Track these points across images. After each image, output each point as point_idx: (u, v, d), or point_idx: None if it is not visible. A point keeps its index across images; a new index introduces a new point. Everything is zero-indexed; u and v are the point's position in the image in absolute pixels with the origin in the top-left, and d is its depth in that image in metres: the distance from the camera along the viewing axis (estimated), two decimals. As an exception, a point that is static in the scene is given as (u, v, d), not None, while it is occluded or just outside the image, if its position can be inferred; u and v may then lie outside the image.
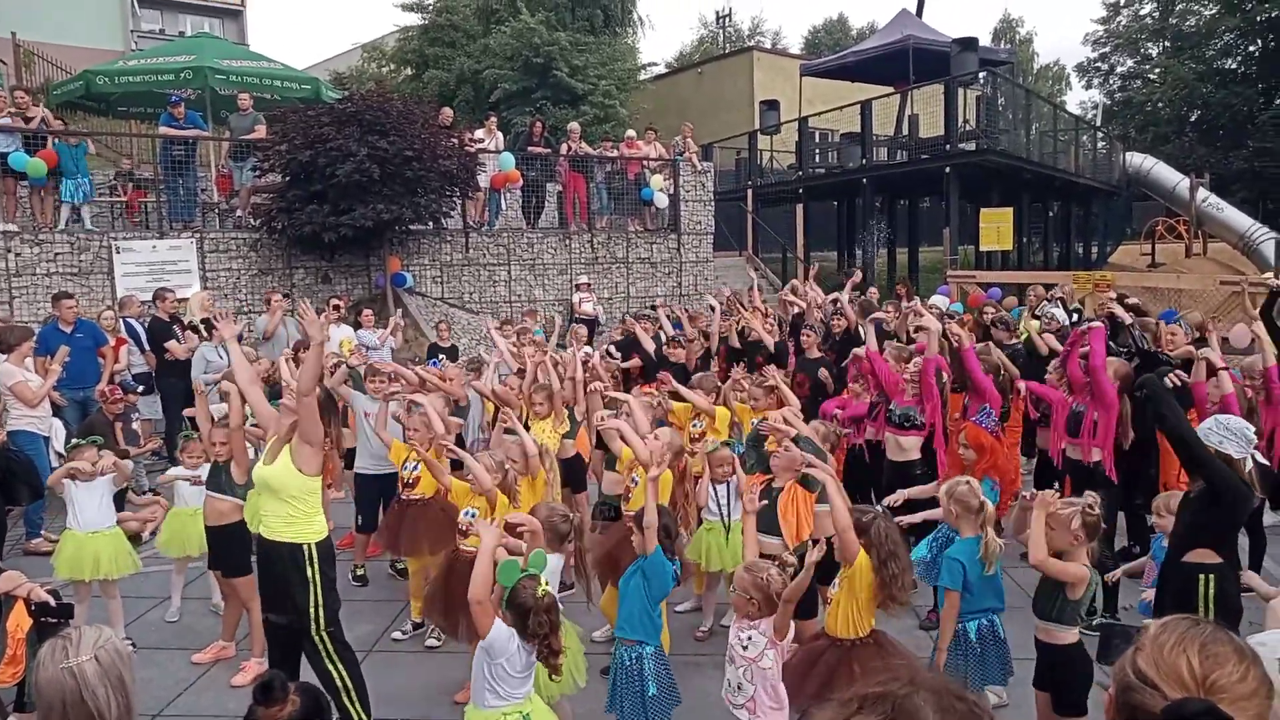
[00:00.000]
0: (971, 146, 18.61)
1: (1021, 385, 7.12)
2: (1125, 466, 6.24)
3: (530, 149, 15.94)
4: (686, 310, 11.90)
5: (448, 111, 15.13)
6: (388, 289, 13.79)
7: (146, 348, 10.37)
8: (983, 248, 18.66)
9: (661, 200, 16.82)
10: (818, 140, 24.30)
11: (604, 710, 4.28)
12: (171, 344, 9.90)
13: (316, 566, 4.32)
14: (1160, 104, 36.05)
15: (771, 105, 23.61)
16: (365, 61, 33.09)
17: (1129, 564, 4.57)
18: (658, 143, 17.51)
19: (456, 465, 5.61)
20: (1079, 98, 59.07)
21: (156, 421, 10.22)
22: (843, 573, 4.06)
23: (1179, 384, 6.07)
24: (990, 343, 8.33)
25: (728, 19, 53.12)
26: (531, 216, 16.28)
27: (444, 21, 28.30)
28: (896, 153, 21.43)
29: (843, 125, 22.49)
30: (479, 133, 15.51)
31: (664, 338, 9.54)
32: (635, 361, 9.15)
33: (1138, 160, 25.92)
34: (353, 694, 4.41)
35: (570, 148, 16.27)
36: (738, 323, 9.46)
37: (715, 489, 5.67)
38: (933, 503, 5.19)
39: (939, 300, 12.18)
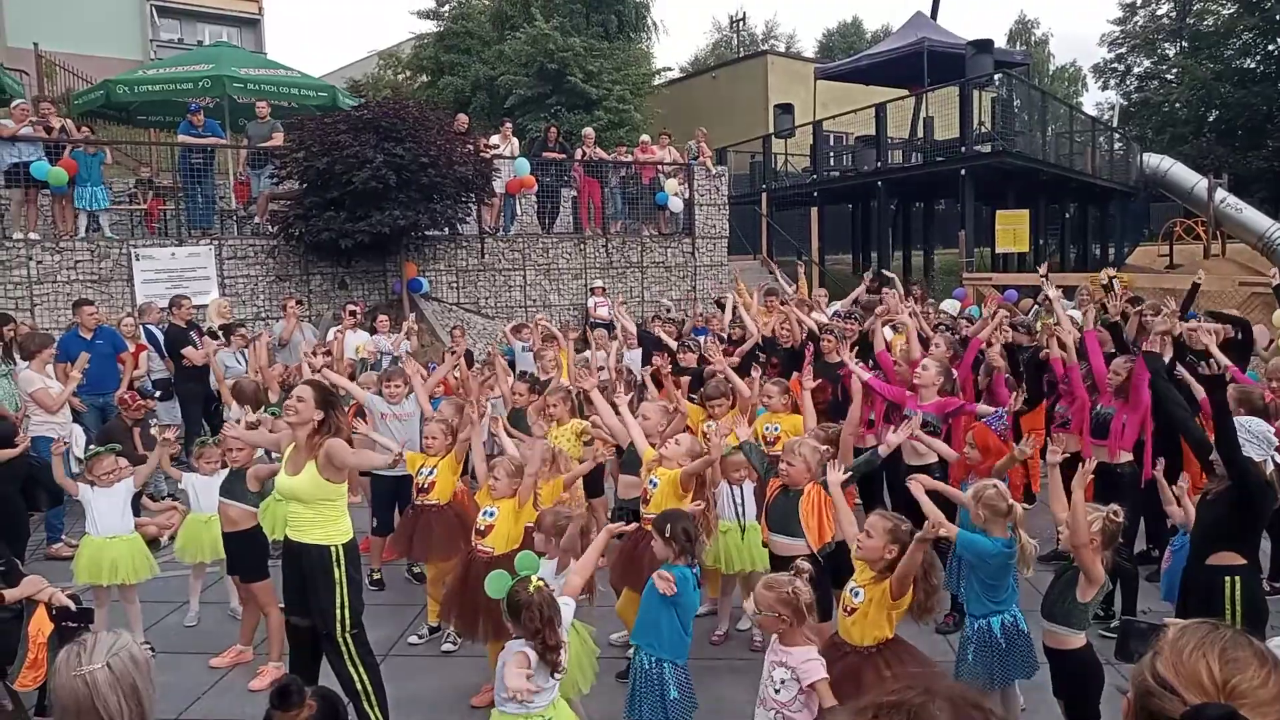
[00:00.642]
0: (987, 148, 18.54)
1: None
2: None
3: (545, 154, 15.99)
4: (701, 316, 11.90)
5: (463, 118, 15.19)
6: (404, 294, 13.85)
7: (165, 354, 10.45)
8: (999, 250, 18.58)
9: (676, 204, 16.83)
10: (832, 143, 24.28)
11: (623, 715, 4.28)
12: (188, 350, 9.97)
13: (343, 568, 4.36)
14: (1178, 104, 35.81)
15: (786, 109, 23.60)
16: (381, 69, 33.27)
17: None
18: (672, 147, 17.52)
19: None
20: (1095, 99, 58.70)
21: (175, 427, 10.29)
22: (871, 584, 4.00)
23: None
24: (994, 346, 8.28)
25: (741, 23, 53.16)
26: (546, 222, 16.32)
27: (459, 28, 28.43)
28: (912, 155, 21.36)
29: (857, 128, 22.45)
30: (494, 138, 15.57)
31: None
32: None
33: (1155, 161, 25.74)
34: (372, 698, 4.43)
35: (585, 153, 16.30)
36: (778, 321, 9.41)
37: (731, 490, 5.66)
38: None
39: (949, 305, 12.08)
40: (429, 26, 30.43)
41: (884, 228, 21.28)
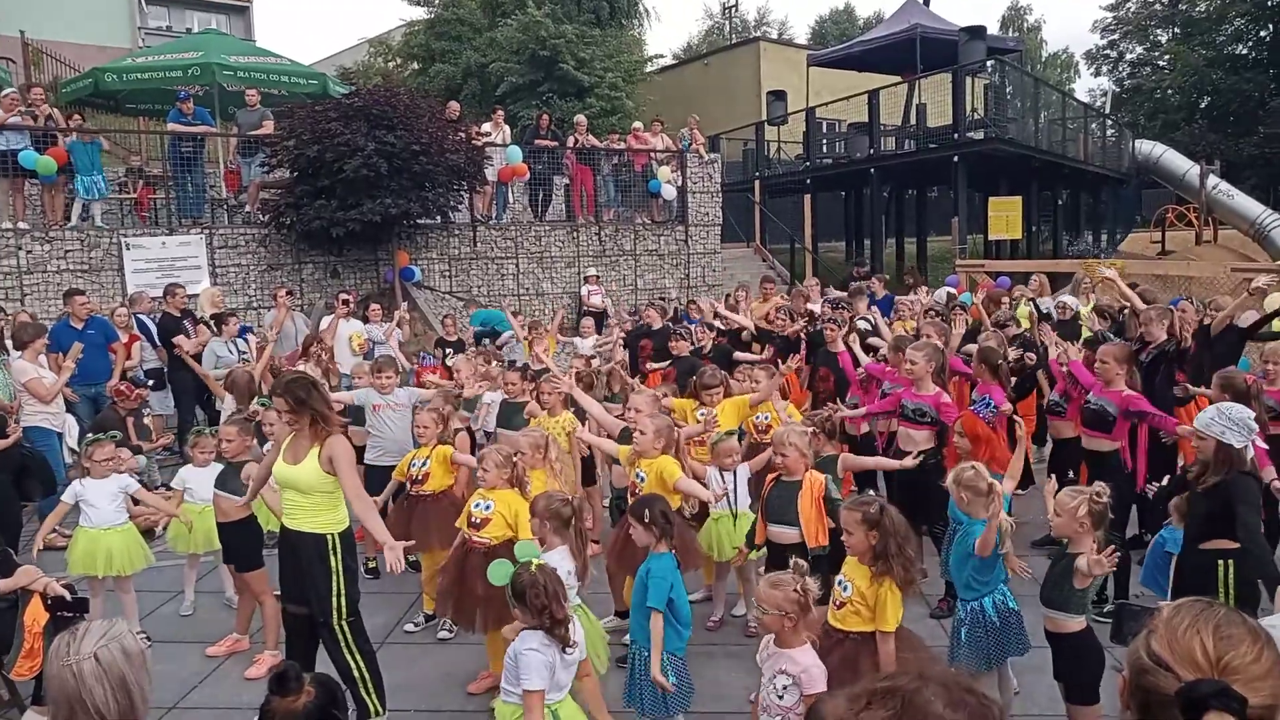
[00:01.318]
0: (980, 135, 18.54)
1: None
2: (1147, 457, 6.24)
3: (537, 142, 15.94)
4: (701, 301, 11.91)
5: (455, 105, 15.13)
6: (396, 283, 13.82)
7: (158, 343, 10.42)
8: (991, 237, 18.61)
9: (669, 192, 16.81)
10: (825, 130, 24.25)
11: (623, 703, 4.30)
12: (179, 339, 9.95)
13: (339, 556, 4.37)
14: (1170, 90, 35.83)
15: (778, 96, 23.55)
16: (372, 56, 33.12)
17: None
18: (664, 134, 17.48)
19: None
20: (1088, 85, 58.69)
21: (168, 416, 10.29)
22: (859, 579, 3.99)
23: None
24: (995, 330, 8.31)
25: (734, 10, 53.06)
26: (539, 210, 16.28)
27: (450, 15, 28.31)
28: (904, 142, 21.36)
29: (850, 115, 22.43)
30: (486, 126, 15.51)
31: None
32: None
33: (1147, 147, 25.75)
34: (369, 685, 4.45)
35: (577, 140, 16.26)
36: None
37: (723, 478, 5.67)
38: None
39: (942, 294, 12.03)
40: (420, 13, 30.31)
41: (877, 215, 21.30)
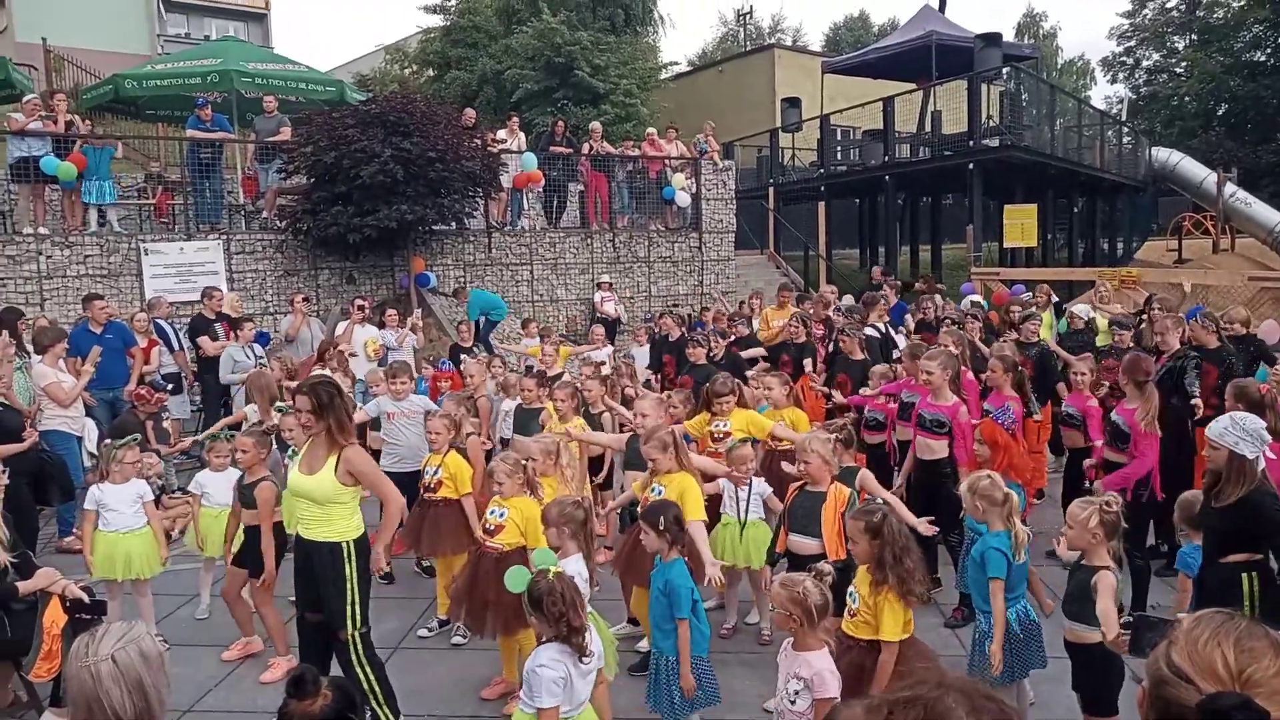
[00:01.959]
0: (995, 143, 18.47)
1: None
2: (1163, 466, 6.19)
3: (552, 149, 15.98)
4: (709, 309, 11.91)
5: (470, 112, 15.19)
6: (411, 289, 13.87)
7: (176, 348, 10.50)
8: (1007, 244, 18.53)
9: (683, 199, 16.81)
10: (840, 137, 24.24)
11: (643, 707, 4.30)
12: (203, 340, 10.05)
13: (354, 564, 4.37)
14: (1187, 98, 35.64)
15: (793, 103, 23.54)
16: (388, 63, 33.29)
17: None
18: (679, 141, 17.50)
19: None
20: (1104, 92, 58.48)
21: (185, 421, 10.36)
22: (868, 590, 4.00)
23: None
24: (1009, 340, 8.29)
25: (748, 17, 53.09)
26: (553, 216, 16.32)
27: (466, 22, 28.43)
28: (919, 149, 21.32)
29: (865, 122, 22.41)
30: (501, 133, 15.57)
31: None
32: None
33: (1164, 155, 25.62)
34: (380, 696, 4.44)
35: (592, 147, 16.30)
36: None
37: (735, 487, 5.65)
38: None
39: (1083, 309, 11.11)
40: (436, 21, 30.46)
41: (891, 222, 21.26)
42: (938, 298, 12.05)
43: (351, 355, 9.72)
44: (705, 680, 4.19)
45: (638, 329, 11.90)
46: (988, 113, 19.65)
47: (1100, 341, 9.50)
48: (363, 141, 12.25)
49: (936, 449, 6.07)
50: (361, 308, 10.91)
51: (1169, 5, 37.96)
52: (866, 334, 9.06)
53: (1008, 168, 18.50)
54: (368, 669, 4.43)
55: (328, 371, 7.94)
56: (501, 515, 4.99)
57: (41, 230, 12.10)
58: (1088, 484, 6.72)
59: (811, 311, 10.77)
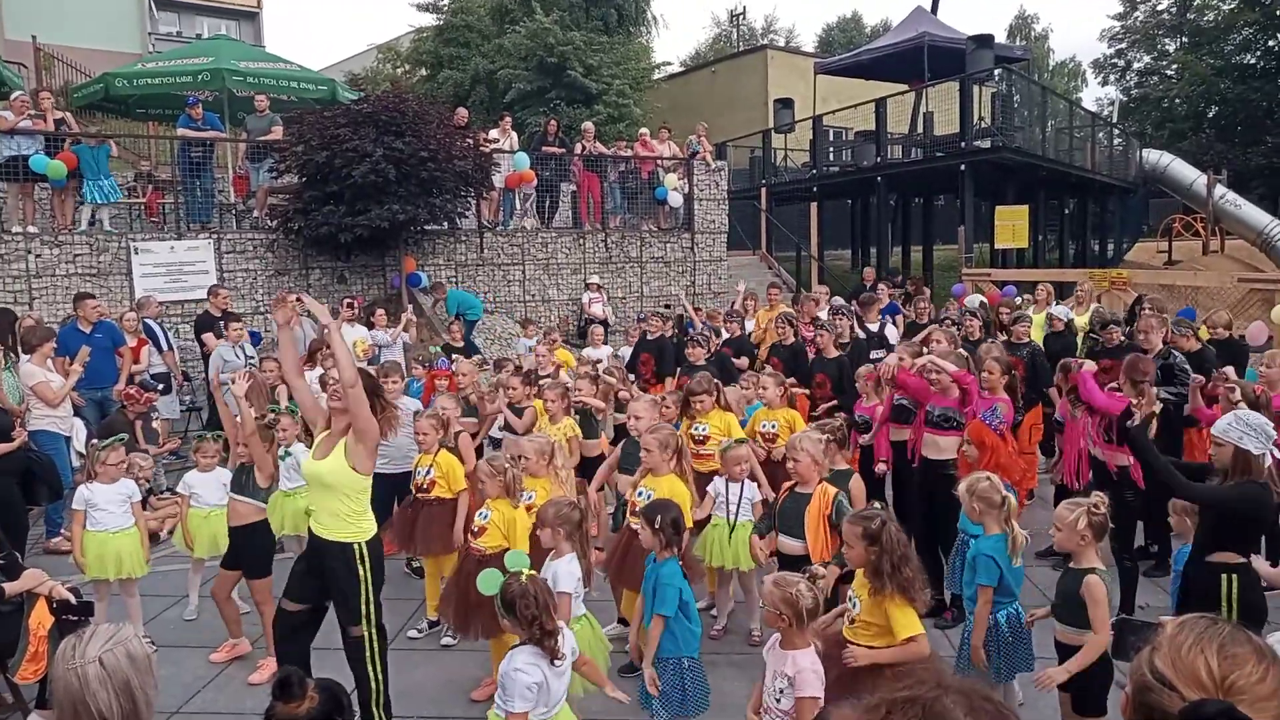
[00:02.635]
0: (987, 144, 18.51)
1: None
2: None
3: (544, 149, 15.96)
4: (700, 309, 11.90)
5: (463, 112, 15.16)
6: (403, 289, 13.84)
7: (165, 348, 10.47)
8: (998, 245, 18.58)
9: (675, 199, 16.81)
10: (832, 138, 24.25)
11: (639, 704, 4.29)
12: (208, 336, 10.06)
13: (367, 565, 4.35)
14: (1177, 100, 35.77)
15: (785, 104, 23.58)
16: (380, 62, 33.21)
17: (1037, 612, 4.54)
18: (671, 142, 17.49)
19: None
20: (1095, 94, 58.71)
21: (175, 421, 10.32)
22: (867, 595, 3.98)
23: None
24: (997, 341, 8.29)
25: (741, 17, 53.11)
26: (546, 216, 16.30)
27: (459, 22, 28.38)
28: (911, 150, 21.35)
29: (857, 123, 22.43)
30: (493, 133, 15.53)
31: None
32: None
33: (1154, 157, 25.74)
34: (382, 698, 4.44)
35: (584, 147, 16.28)
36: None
37: (728, 487, 5.65)
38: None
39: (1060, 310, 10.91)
40: (428, 20, 30.41)
41: (883, 223, 21.28)
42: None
43: None
44: (696, 683, 4.17)
45: (631, 329, 11.88)
46: (979, 114, 19.69)
47: (1081, 341, 9.52)
48: (354, 141, 12.21)
49: (944, 446, 6.06)
50: (350, 305, 10.88)
51: (1160, 8, 38.09)
52: (859, 336, 9.09)
53: (999, 169, 18.54)
54: (378, 668, 4.43)
55: (319, 371, 7.92)
56: (485, 517, 4.99)
57: (31, 229, 12.03)
58: (1081, 485, 6.73)
59: (801, 311, 10.78)
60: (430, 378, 9.78)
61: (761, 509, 5.55)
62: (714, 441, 6.18)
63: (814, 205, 22.39)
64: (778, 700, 3.61)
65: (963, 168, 17.89)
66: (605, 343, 11.89)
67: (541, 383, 7.48)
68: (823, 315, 10.28)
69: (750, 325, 11.28)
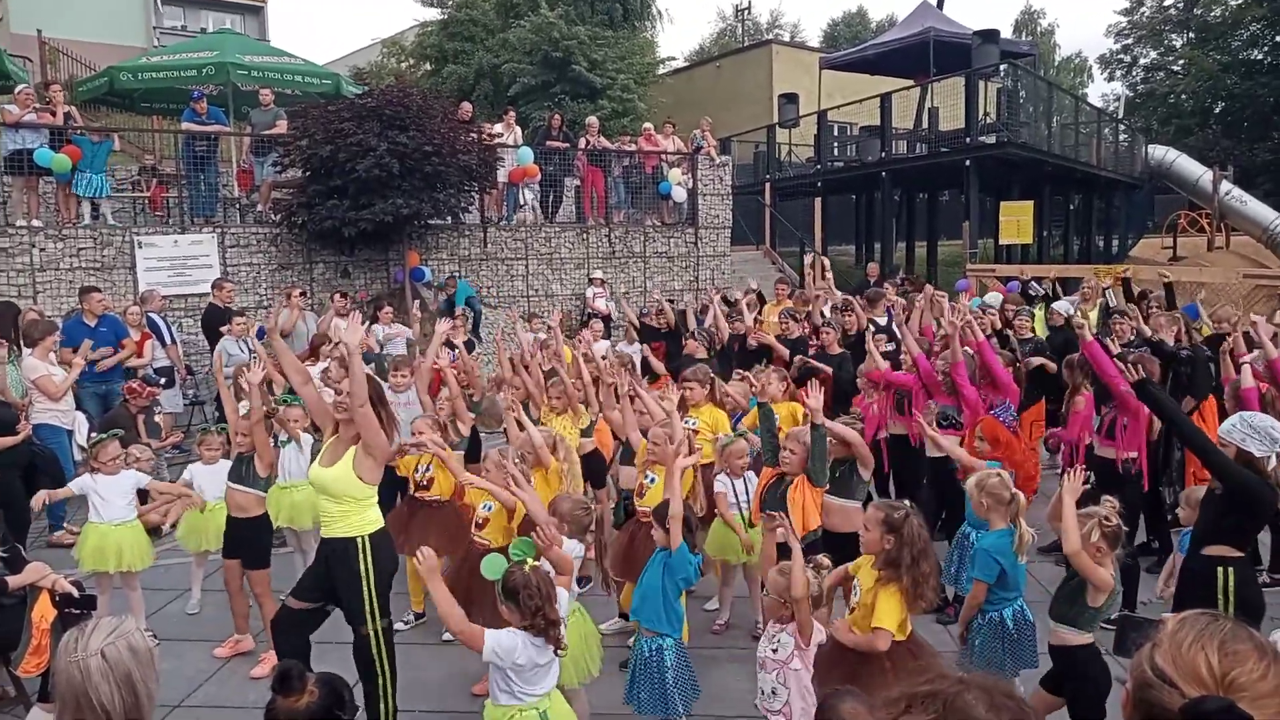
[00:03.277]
0: (992, 139, 18.47)
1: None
2: (1150, 458, 6.21)
3: (548, 143, 15.94)
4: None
5: (467, 106, 15.14)
6: (406, 283, 13.84)
7: (168, 342, 10.47)
8: (1003, 241, 18.55)
9: (679, 194, 16.79)
10: (836, 134, 24.19)
11: (622, 702, 4.30)
12: (226, 328, 10.06)
13: (370, 559, 4.34)
14: (1184, 96, 35.65)
15: (790, 99, 23.52)
16: (385, 56, 33.19)
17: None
18: (676, 137, 17.46)
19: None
20: (1101, 90, 58.48)
21: (178, 415, 10.33)
22: (871, 583, 4.00)
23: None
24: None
25: (746, 12, 52.90)
26: (549, 211, 16.29)
27: (463, 16, 28.33)
28: (916, 146, 21.30)
29: (862, 118, 22.39)
30: (497, 127, 15.52)
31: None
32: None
33: (1160, 153, 25.65)
34: (389, 691, 4.44)
35: (588, 142, 16.26)
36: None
37: (733, 483, 5.65)
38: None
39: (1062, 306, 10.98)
40: (433, 14, 30.33)
41: (888, 219, 21.24)
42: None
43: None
44: (683, 678, 4.17)
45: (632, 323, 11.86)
46: (985, 109, 19.64)
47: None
48: (359, 135, 12.20)
49: (944, 445, 6.05)
50: (344, 294, 10.87)
51: (1166, 3, 37.95)
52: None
53: (1004, 164, 18.50)
54: (385, 663, 4.42)
55: (321, 365, 7.93)
56: (488, 508, 4.98)
57: (35, 223, 12.05)
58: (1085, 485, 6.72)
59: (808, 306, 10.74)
60: (435, 374, 9.76)
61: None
62: (702, 437, 6.18)
63: (818, 200, 22.37)
64: (774, 652, 3.74)
65: (968, 163, 17.85)
66: (606, 337, 11.89)
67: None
68: (825, 310, 10.25)
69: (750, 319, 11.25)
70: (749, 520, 5.57)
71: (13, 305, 9.75)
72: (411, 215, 12.76)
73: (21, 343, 8.31)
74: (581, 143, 16.29)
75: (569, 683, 3.99)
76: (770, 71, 30.69)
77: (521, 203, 15.58)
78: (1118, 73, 40.81)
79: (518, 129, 16.14)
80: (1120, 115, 31.43)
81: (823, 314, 10.08)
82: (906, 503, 4.18)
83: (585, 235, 16.16)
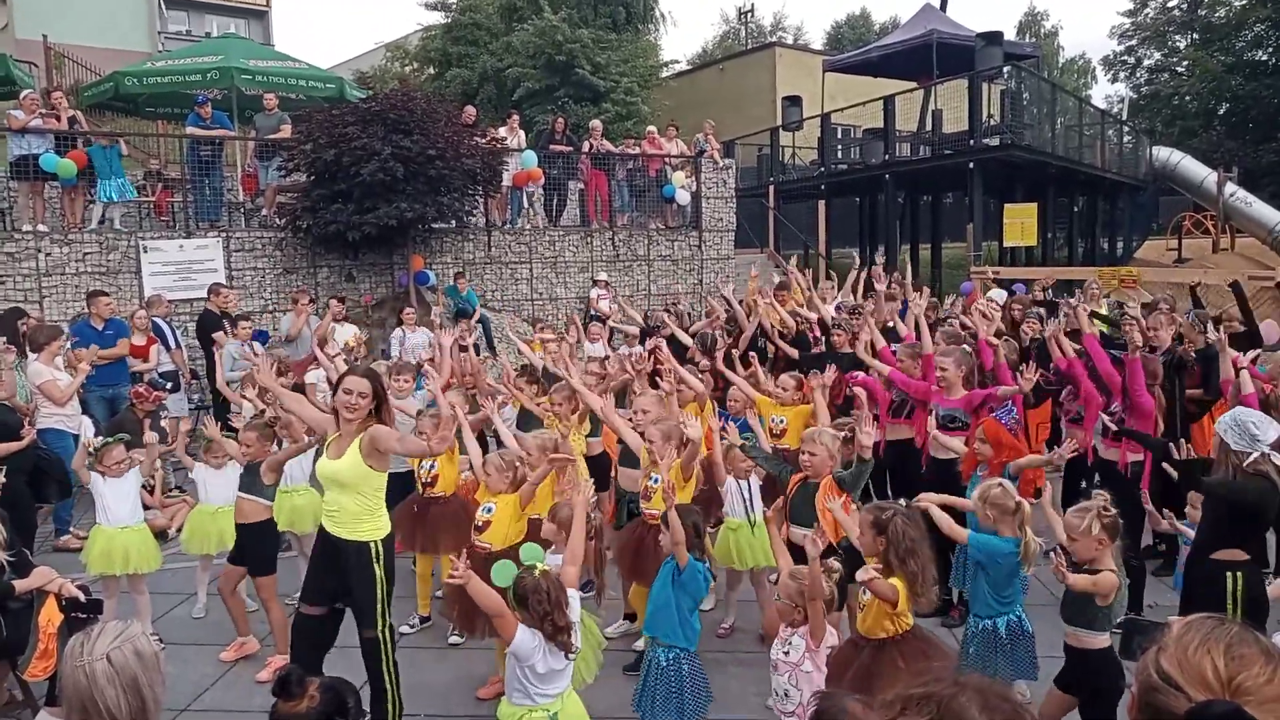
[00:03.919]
0: (996, 141, 18.45)
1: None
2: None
3: (552, 147, 15.95)
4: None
5: (471, 110, 15.16)
6: (411, 287, 13.86)
7: (174, 346, 10.50)
8: (1007, 243, 18.53)
9: (683, 197, 16.79)
10: (840, 136, 24.21)
11: (630, 708, 4.29)
12: (219, 335, 10.09)
13: (382, 563, 4.35)
14: (1188, 97, 35.59)
15: (794, 101, 23.51)
16: (389, 60, 33.23)
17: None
18: (679, 140, 17.46)
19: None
20: (1105, 91, 58.43)
21: (183, 419, 10.34)
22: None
23: None
24: (1008, 339, 8.25)
25: (749, 15, 52.96)
26: (553, 214, 16.30)
27: (467, 20, 28.38)
28: (920, 148, 21.30)
29: (866, 121, 22.38)
30: (501, 131, 15.54)
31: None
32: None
33: (1164, 154, 25.60)
34: (396, 698, 4.44)
35: (592, 145, 16.27)
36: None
37: (739, 485, 5.65)
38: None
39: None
40: (436, 18, 30.39)
41: (892, 221, 21.24)
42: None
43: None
44: (696, 686, 4.16)
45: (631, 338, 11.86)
46: (988, 111, 19.64)
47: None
48: (363, 139, 12.23)
49: (952, 446, 6.05)
50: (342, 299, 10.90)
51: (1170, 4, 37.88)
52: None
53: (1008, 167, 18.48)
54: (391, 668, 4.44)
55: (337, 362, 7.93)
56: (490, 511, 4.98)
57: (41, 227, 12.09)
58: (1084, 484, 6.71)
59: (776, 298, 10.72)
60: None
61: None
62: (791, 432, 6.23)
63: (822, 203, 22.34)
64: (787, 654, 3.76)
65: (971, 165, 17.84)
66: (608, 341, 11.88)
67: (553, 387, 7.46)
68: (829, 310, 10.23)
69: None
70: (753, 524, 5.56)
71: (17, 310, 9.77)
72: (415, 219, 12.78)
73: (27, 348, 8.31)
74: (585, 146, 16.30)
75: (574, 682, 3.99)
76: (774, 74, 30.70)
77: (525, 205, 15.61)
78: (1121, 74, 40.77)
79: (522, 132, 16.16)
80: (1124, 117, 31.39)
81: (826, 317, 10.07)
82: (901, 503, 4.19)
83: (589, 239, 16.17)
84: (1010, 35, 28.27)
